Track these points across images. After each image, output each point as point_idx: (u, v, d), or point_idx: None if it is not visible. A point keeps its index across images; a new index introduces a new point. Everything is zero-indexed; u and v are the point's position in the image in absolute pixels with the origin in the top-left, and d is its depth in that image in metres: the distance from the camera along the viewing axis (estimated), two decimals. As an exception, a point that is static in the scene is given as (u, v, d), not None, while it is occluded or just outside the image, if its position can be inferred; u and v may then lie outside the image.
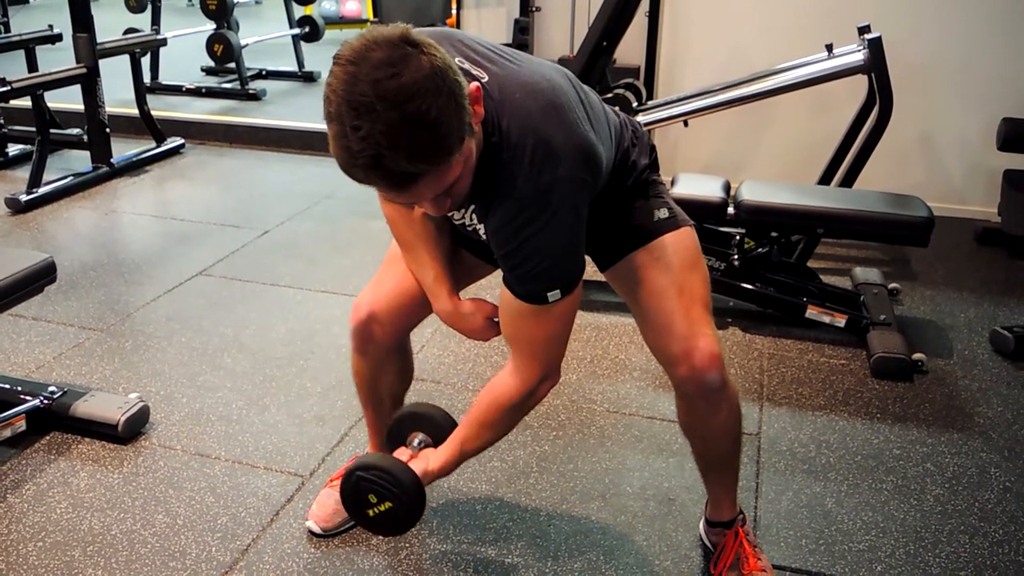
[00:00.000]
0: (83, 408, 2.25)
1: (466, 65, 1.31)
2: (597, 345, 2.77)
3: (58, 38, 4.90)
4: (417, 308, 1.69)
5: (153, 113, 4.75)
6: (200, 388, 2.50)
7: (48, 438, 2.25)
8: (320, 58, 6.74)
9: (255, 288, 3.16)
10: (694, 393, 1.58)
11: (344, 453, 2.20)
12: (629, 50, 4.04)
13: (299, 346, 2.74)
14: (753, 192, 2.87)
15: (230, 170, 4.62)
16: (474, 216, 1.47)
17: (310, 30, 6.77)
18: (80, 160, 4.41)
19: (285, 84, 6.40)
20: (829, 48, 3.20)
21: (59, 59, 4.53)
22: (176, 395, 2.46)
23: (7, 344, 2.72)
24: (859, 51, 3.13)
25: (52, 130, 4.17)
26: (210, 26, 6.00)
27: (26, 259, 2.18)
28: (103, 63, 4.26)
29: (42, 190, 3.99)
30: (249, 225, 3.77)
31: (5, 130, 4.55)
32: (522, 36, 4.41)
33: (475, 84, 1.23)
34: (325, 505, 1.94)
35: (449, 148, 1.16)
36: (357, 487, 1.56)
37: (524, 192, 1.30)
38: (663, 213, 1.58)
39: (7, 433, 2.18)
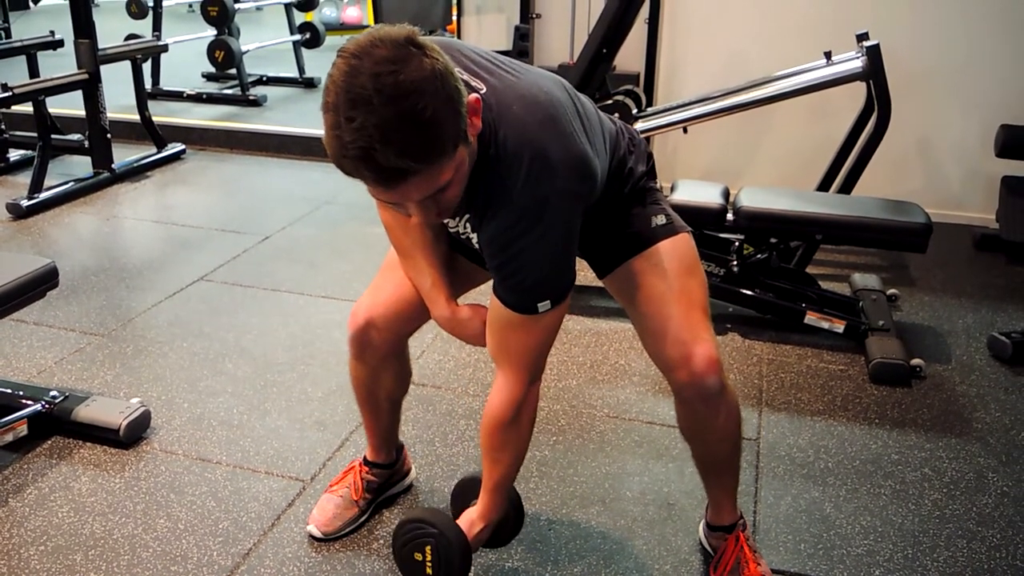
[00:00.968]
0: (85, 413, 2.25)
1: (465, 76, 1.31)
2: (597, 350, 2.78)
3: (59, 44, 4.92)
4: (415, 314, 1.70)
5: (154, 119, 4.77)
6: (201, 393, 2.51)
7: (50, 442, 2.26)
8: (321, 64, 6.76)
9: (256, 293, 3.17)
10: (693, 398, 1.58)
11: (345, 457, 2.20)
12: (629, 57, 4.05)
13: (300, 351, 2.75)
14: (752, 198, 2.89)
15: (231, 176, 4.63)
16: (468, 225, 1.48)
17: (311, 36, 6.80)
18: (81, 165, 4.43)
19: (286, 90, 6.42)
20: (828, 55, 3.22)
21: (60, 65, 4.55)
22: (177, 400, 2.47)
23: (9, 349, 2.73)
24: (857, 58, 3.15)
25: (53, 135, 4.19)
26: (211, 32, 6.02)
27: (29, 264, 2.18)
28: (104, 69, 4.28)
29: (43, 195, 4.00)
30: (250, 230, 3.78)
31: (6, 135, 4.57)
32: (522, 43, 4.42)
33: (475, 96, 1.24)
34: (326, 509, 1.94)
35: (441, 150, 1.17)
36: (403, 556, 1.58)
37: (519, 204, 1.31)
38: (660, 220, 1.59)
39: (9, 437, 2.19)
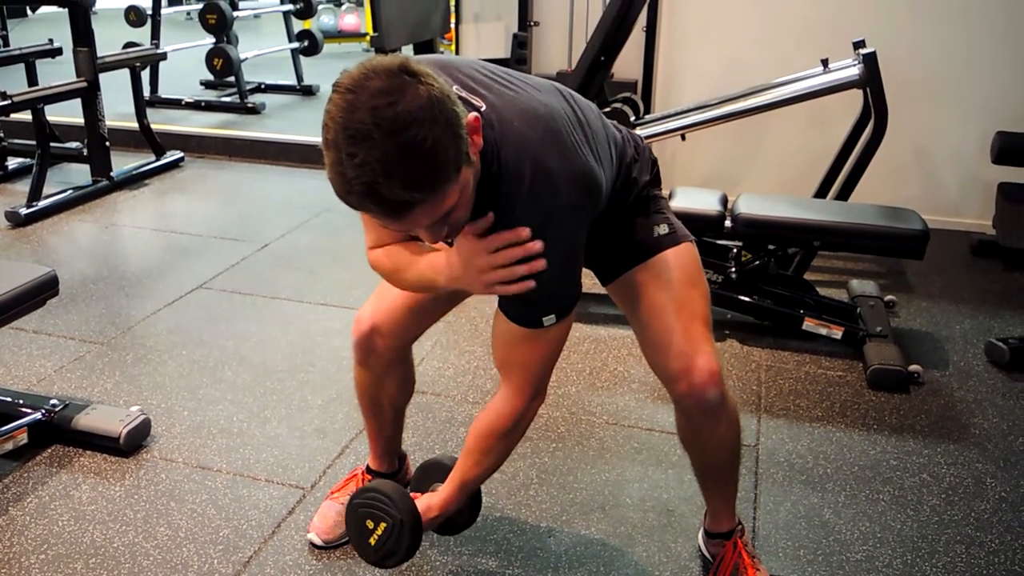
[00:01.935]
0: (84, 421, 2.25)
1: (463, 94, 1.31)
2: (596, 357, 2.79)
3: (58, 52, 4.92)
4: (419, 320, 1.70)
5: (153, 127, 4.78)
6: (201, 401, 2.51)
7: (50, 451, 2.26)
8: (319, 72, 6.77)
9: (255, 301, 3.18)
10: (693, 409, 1.59)
11: (345, 465, 2.21)
12: (627, 64, 4.07)
13: (299, 359, 2.75)
14: (750, 205, 2.90)
15: (229, 183, 4.64)
16: None
17: (309, 44, 6.81)
18: (80, 173, 4.43)
19: (284, 98, 6.43)
20: (825, 63, 3.23)
21: (59, 73, 4.56)
22: (177, 408, 2.47)
23: (8, 357, 2.73)
24: (854, 66, 3.16)
25: (52, 143, 4.19)
26: (209, 40, 6.03)
27: (29, 272, 2.18)
28: (103, 77, 4.29)
29: (42, 203, 4.01)
30: (249, 238, 3.79)
31: (5, 143, 4.57)
32: (520, 50, 4.43)
33: (474, 115, 1.24)
34: (326, 517, 1.95)
35: (444, 177, 1.17)
36: (356, 515, 1.59)
37: (523, 220, 1.31)
38: (663, 229, 1.59)
39: (9, 446, 2.19)
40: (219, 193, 4.46)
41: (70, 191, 4.20)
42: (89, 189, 4.29)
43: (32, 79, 4.77)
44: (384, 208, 1.17)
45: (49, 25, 8.35)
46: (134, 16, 7.28)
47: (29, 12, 10.37)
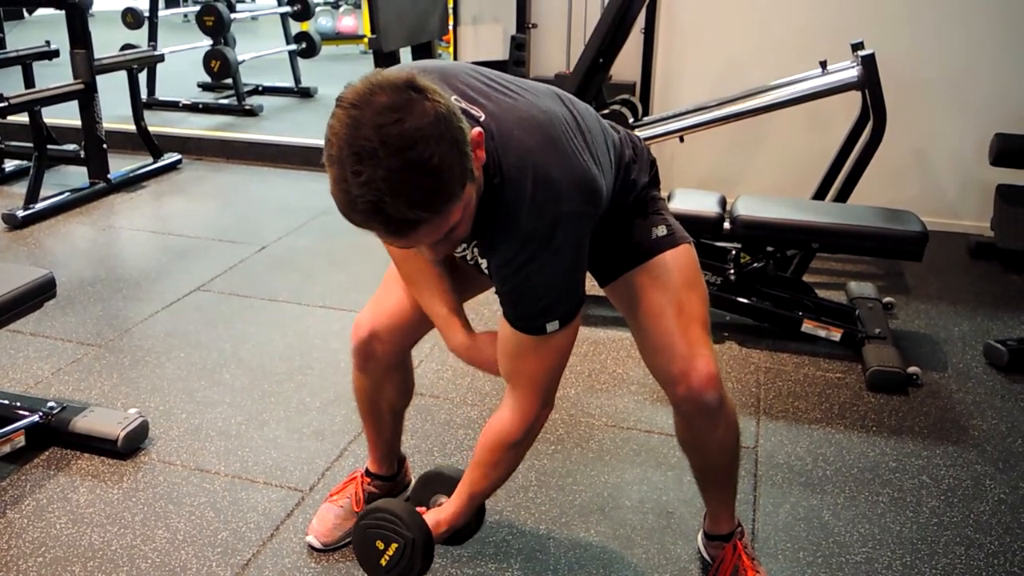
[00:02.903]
0: (82, 423, 2.25)
1: (463, 104, 1.30)
2: (595, 359, 2.79)
3: (55, 54, 4.91)
4: (418, 325, 1.70)
5: (150, 129, 4.77)
6: (199, 403, 2.50)
7: (47, 453, 2.25)
8: (317, 74, 6.77)
9: (253, 303, 3.17)
10: (692, 412, 1.58)
11: (344, 467, 2.20)
12: (625, 66, 4.07)
13: (298, 361, 2.75)
14: (749, 207, 2.90)
15: (227, 185, 4.64)
16: (476, 250, 1.47)
17: (307, 46, 6.80)
18: (77, 176, 4.42)
19: (282, 100, 6.43)
20: (823, 65, 3.23)
21: (56, 75, 4.55)
22: (175, 410, 2.46)
23: (5, 360, 2.72)
24: (853, 68, 3.16)
25: (49, 146, 4.19)
26: (207, 42, 6.03)
27: (26, 275, 2.18)
28: (100, 79, 4.28)
29: (39, 206, 4.00)
30: (247, 240, 3.78)
31: (2, 146, 4.56)
32: (518, 52, 4.43)
33: (477, 130, 1.23)
34: (325, 519, 1.94)
35: (450, 195, 1.16)
36: (364, 536, 1.57)
37: (526, 230, 1.30)
38: (662, 231, 1.59)
39: (6, 449, 2.18)
40: (217, 195, 4.46)
41: (67, 193, 4.19)
42: (86, 191, 4.28)
43: (29, 81, 4.76)
44: (389, 227, 1.16)
45: (46, 27, 8.34)
46: (131, 18, 7.26)
47: (26, 14, 10.36)
